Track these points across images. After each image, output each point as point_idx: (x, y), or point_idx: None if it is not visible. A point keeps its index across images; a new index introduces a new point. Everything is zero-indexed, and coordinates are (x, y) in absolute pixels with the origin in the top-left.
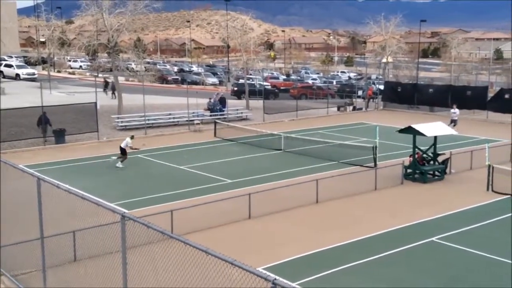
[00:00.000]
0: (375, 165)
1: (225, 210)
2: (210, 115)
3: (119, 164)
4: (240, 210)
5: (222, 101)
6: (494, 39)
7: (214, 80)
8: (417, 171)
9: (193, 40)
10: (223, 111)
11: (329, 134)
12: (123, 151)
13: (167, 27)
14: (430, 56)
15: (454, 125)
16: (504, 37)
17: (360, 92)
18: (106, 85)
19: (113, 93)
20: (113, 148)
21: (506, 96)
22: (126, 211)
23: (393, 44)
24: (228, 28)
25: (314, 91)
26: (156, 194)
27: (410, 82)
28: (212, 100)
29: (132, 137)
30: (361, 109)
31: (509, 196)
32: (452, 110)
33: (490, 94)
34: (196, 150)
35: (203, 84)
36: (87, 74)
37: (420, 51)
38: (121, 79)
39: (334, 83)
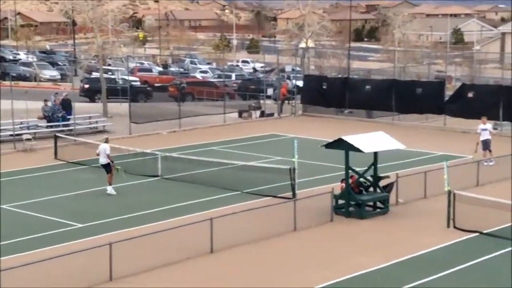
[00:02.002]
0: (294, 195)
1: (74, 269)
2: (48, 126)
3: (111, 191)
4: (97, 268)
5: (66, 105)
6: (451, 15)
7: (54, 73)
8: (352, 202)
9: (19, 13)
10: (68, 119)
11: (228, 151)
12: (107, 167)
13: None
14: (365, 40)
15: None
16: (464, 13)
17: (270, 91)
18: None
19: None
20: None
21: (470, 94)
22: None
23: (314, 22)
24: None
25: (205, 89)
26: None
27: (339, 76)
28: (50, 104)
29: (106, 141)
30: (272, 114)
31: (476, 233)
32: (482, 126)
33: (449, 92)
34: (27, 179)
35: (36, 80)
36: None
37: (352, 32)
38: None
39: (233, 77)
